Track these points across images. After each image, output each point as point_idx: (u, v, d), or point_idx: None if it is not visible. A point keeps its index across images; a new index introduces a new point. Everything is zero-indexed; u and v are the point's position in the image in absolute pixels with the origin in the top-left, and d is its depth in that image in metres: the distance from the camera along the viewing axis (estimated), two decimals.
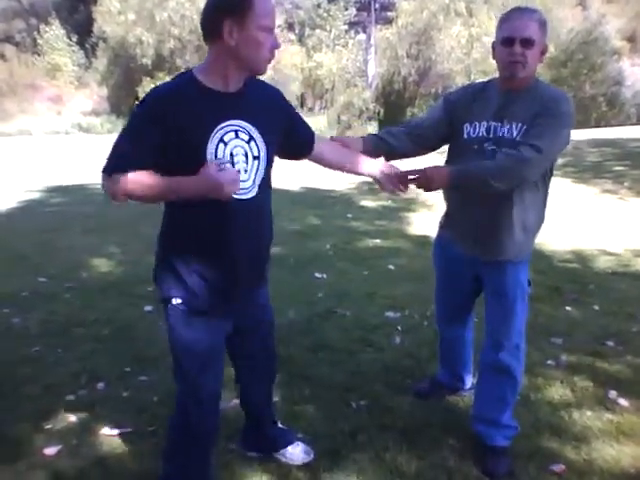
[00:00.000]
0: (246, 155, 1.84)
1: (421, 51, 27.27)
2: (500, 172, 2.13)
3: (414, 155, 2.52)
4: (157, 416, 2.75)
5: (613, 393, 2.95)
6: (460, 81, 26.04)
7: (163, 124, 1.72)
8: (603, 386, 3.03)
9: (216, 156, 1.77)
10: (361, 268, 5.07)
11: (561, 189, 7.80)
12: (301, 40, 34.87)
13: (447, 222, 2.58)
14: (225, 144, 1.79)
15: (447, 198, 2.55)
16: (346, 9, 35.89)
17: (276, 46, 1.79)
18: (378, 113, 27.00)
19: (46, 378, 3.12)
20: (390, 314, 4.01)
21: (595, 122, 23.48)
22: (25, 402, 2.89)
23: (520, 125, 2.18)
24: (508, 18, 2.19)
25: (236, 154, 1.82)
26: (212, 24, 1.73)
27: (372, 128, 26.43)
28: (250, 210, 1.89)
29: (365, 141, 2.40)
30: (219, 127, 1.78)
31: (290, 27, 34.38)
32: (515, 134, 2.19)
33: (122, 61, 26.90)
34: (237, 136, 1.82)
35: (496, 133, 2.23)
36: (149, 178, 1.73)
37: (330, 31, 35.62)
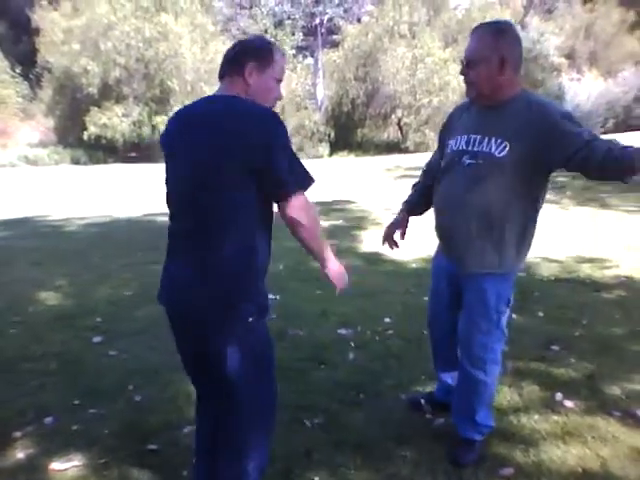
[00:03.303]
0: None
1: (368, 73, 27.81)
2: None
3: None
4: (108, 448, 2.70)
5: (559, 395, 3.05)
6: (406, 101, 26.66)
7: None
8: (549, 389, 3.12)
9: None
10: (313, 287, 5.09)
11: None
12: None
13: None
14: None
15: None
16: (293, 34, 36.31)
17: (279, 97, 2.02)
18: (329, 135, 27.34)
19: None
20: (342, 331, 4.05)
21: None
22: None
23: (500, 141, 2.19)
24: None
25: None
26: (238, 63, 1.92)
27: (323, 149, 26.75)
28: None
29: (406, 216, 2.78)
30: None
31: None
32: (494, 149, 2.20)
33: (67, 91, 26.53)
34: None
35: (474, 146, 2.26)
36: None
37: None
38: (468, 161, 2.27)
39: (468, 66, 2.21)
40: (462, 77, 2.28)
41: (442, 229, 2.47)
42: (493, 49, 2.14)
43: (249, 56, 1.92)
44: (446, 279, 2.58)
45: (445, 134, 2.52)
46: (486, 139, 2.23)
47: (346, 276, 2.06)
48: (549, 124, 2.12)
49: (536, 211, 2.34)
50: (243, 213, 1.82)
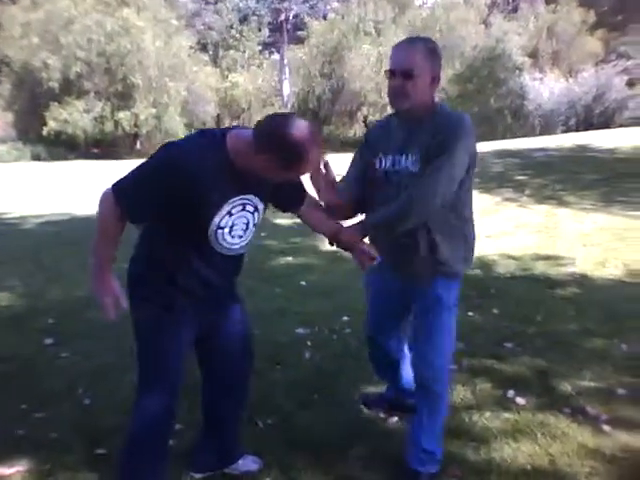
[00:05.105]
0: (247, 224, 2.03)
1: (333, 70, 27.87)
2: (403, 214, 2.17)
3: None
4: (55, 452, 2.64)
5: (511, 392, 3.08)
6: (372, 98, 26.77)
7: (181, 186, 1.83)
8: (502, 387, 3.15)
9: (220, 225, 1.93)
10: (274, 286, 5.07)
11: None
12: (215, 61, 34.84)
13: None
14: (231, 215, 1.96)
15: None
16: (259, 30, 36.14)
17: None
18: None
19: None
20: (300, 330, 4.03)
21: (501, 134, 24.56)
22: None
23: (416, 156, 2.21)
24: (393, 50, 2.22)
25: (236, 224, 1.99)
26: (260, 143, 1.80)
27: None
28: (230, 258, 2.08)
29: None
30: (230, 201, 1.93)
31: (203, 48, 34.31)
32: (411, 166, 2.22)
33: (27, 86, 25.94)
34: (244, 209, 1.99)
35: (400, 165, 2.26)
36: (105, 239, 2.03)
37: (244, 52, 35.81)
38: (396, 179, 2.28)
39: (404, 77, 2.16)
40: (393, 87, 2.22)
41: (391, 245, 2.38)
42: (428, 66, 2.19)
43: (274, 149, 1.78)
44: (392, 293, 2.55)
45: (372, 148, 2.43)
46: (406, 157, 2.25)
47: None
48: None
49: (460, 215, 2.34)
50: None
